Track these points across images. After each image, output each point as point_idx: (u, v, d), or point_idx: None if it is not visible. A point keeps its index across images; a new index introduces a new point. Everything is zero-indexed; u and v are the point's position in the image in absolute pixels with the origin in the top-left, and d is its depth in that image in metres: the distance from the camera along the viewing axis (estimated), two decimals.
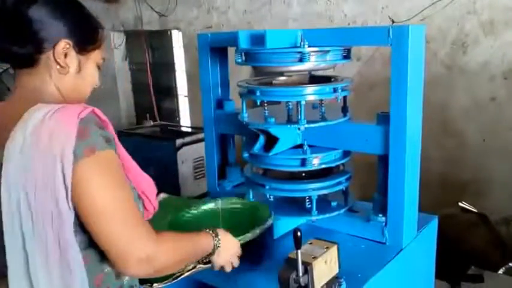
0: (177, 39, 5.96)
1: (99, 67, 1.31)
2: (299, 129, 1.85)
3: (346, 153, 1.96)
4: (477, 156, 3.54)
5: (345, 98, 1.92)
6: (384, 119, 1.77)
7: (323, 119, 1.89)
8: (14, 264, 1.10)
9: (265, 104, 1.90)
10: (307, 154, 1.87)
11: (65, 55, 1.19)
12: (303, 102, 1.79)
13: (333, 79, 1.93)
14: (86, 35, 1.24)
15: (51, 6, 1.17)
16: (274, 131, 1.85)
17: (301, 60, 1.77)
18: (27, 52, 1.17)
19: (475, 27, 3.41)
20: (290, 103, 1.99)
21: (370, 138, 1.80)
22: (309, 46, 1.76)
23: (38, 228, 1.07)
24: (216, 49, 2.18)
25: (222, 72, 2.24)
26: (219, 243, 1.45)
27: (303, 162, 1.88)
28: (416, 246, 1.88)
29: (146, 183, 1.30)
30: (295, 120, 1.84)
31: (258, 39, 1.75)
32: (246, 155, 2.00)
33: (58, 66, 1.19)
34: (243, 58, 1.87)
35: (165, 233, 1.27)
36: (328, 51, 1.80)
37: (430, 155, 3.49)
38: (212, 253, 1.44)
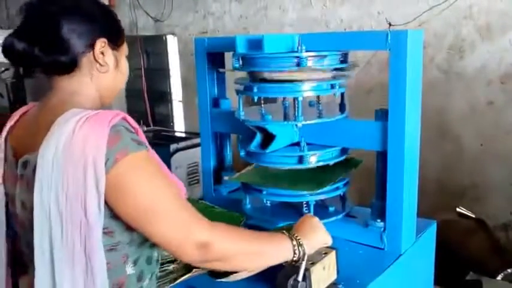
0: (172, 44, 5.96)
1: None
2: (296, 126, 1.84)
3: (343, 151, 1.96)
4: (475, 161, 3.54)
5: (342, 94, 1.92)
6: (382, 115, 1.76)
7: (320, 116, 1.88)
8: (41, 268, 1.11)
9: (262, 102, 1.90)
10: (304, 151, 1.86)
11: (102, 53, 1.24)
12: (300, 99, 1.78)
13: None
14: (116, 30, 1.30)
15: (82, 9, 1.22)
16: (271, 128, 1.84)
17: (298, 65, 1.76)
18: (69, 59, 1.20)
19: (472, 32, 3.42)
20: (287, 101, 1.99)
21: (368, 135, 1.79)
22: (307, 51, 1.76)
23: (67, 236, 1.09)
24: (213, 54, 2.17)
25: (219, 78, 2.24)
26: (301, 242, 1.35)
27: (300, 160, 1.87)
28: (415, 252, 1.86)
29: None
30: (293, 117, 1.83)
31: (256, 44, 1.74)
32: (242, 153, 1.98)
33: (98, 65, 1.24)
34: (240, 63, 1.87)
35: (222, 223, 1.22)
36: (326, 56, 1.79)
37: (428, 160, 3.49)
38: (298, 254, 1.34)
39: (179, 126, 6.19)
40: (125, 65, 1.34)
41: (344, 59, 1.87)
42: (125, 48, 1.34)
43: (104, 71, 1.25)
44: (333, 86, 1.81)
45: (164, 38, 6.03)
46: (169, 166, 4.36)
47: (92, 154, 1.06)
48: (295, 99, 1.80)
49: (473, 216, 3.17)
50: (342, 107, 1.95)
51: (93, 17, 1.23)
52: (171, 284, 1.56)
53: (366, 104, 3.71)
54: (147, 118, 6.06)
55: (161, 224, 1.12)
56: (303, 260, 1.35)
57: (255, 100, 1.88)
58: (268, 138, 1.86)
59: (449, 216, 3.16)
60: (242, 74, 1.95)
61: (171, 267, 1.62)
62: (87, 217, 1.08)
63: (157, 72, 6.27)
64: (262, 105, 1.91)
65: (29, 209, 1.15)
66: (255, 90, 1.81)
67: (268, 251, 1.31)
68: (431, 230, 2.01)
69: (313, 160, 1.87)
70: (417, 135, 1.81)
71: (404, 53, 1.62)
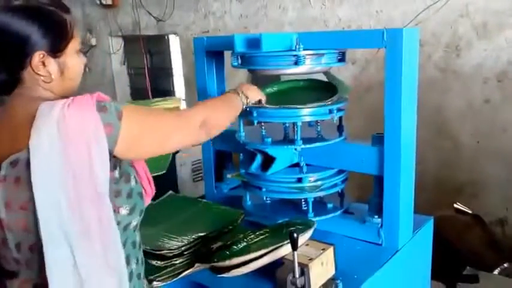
0: (175, 43, 5.97)
1: (79, 50, 1.28)
2: (296, 149, 1.88)
3: (341, 171, 1.99)
4: (472, 158, 3.55)
5: (340, 117, 1.94)
6: (378, 140, 1.79)
7: (319, 138, 1.92)
8: (55, 251, 1.10)
9: (262, 123, 1.92)
10: (303, 173, 1.91)
11: (43, 64, 1.17)
12: (299, 123, 1.82)
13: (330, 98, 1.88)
14: (56, 37, 1.19)
15: (11, 29, 1.13)
16: (271, 151, 1.88)
17: (296, 63, 1.79)
18: (4, 79, 1.17)
19: (469, 31, 3.42)
20: (287, 123, 2.01)
21: (365, 159, 1.83)
22: (304, 49, 1.78)
23: (80, 213, 1.09)
24: (212, 53, 2.19)
25: (219, 76, 2.25)
26: (243, 92, 1.68)
27: (300, 180, 1.92)
28: (412, 248, 1.89)
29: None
30: (292, 141, 1.86)
31: (254, 42, 1.76)
32: (242, 171, 2.02)
33: (42, 77, 1.18)
34: (239, 61, 1.89)
35: (196, 105, 1.51)
36: (323, 54, 1.81)
37: (425, 157, 3.50)
38: (242, 101, 1.67)
39: None
40: (73, 68, 1.25)
41: (342, 58, 1.89)
42: (73, 46, 1.24)
43: (49, 81, 1.19)
44: (331, 111, 1.83)
45: (166, 37, 6.04)
46: (173, 164, 4.37)
47: (91, 130, 1.09)
48: (294, 123, 1.83)
49: (470, 212, 3.17)
50: (340, 129, 1.98)
51: (27, 30, 1.14)
52: (174, 279, 1.58)
53: (365, 101, 3.74)
54: None
55: (176, 138, 1.35)
56: (247, 104, 1.70)
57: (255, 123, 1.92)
58: (268, 159, 1.90)
59: (446, 212, 3.17)
60: (241, 78, 1.96)
61: (178, 261, 1.65)
62: (97, 191, 1.10)
63: (161, 71, 6.29)
64: (263, 125, 1.93)
65: (18, 207, 1.12)
66: (255, 114, 1.84)
67: (229, 105, 1.62)
68: (428, 226, 2.04)
69: (312, 180, 1.93)
70: (413, 132, 1.83)
71: (400, 51, 1.65)
